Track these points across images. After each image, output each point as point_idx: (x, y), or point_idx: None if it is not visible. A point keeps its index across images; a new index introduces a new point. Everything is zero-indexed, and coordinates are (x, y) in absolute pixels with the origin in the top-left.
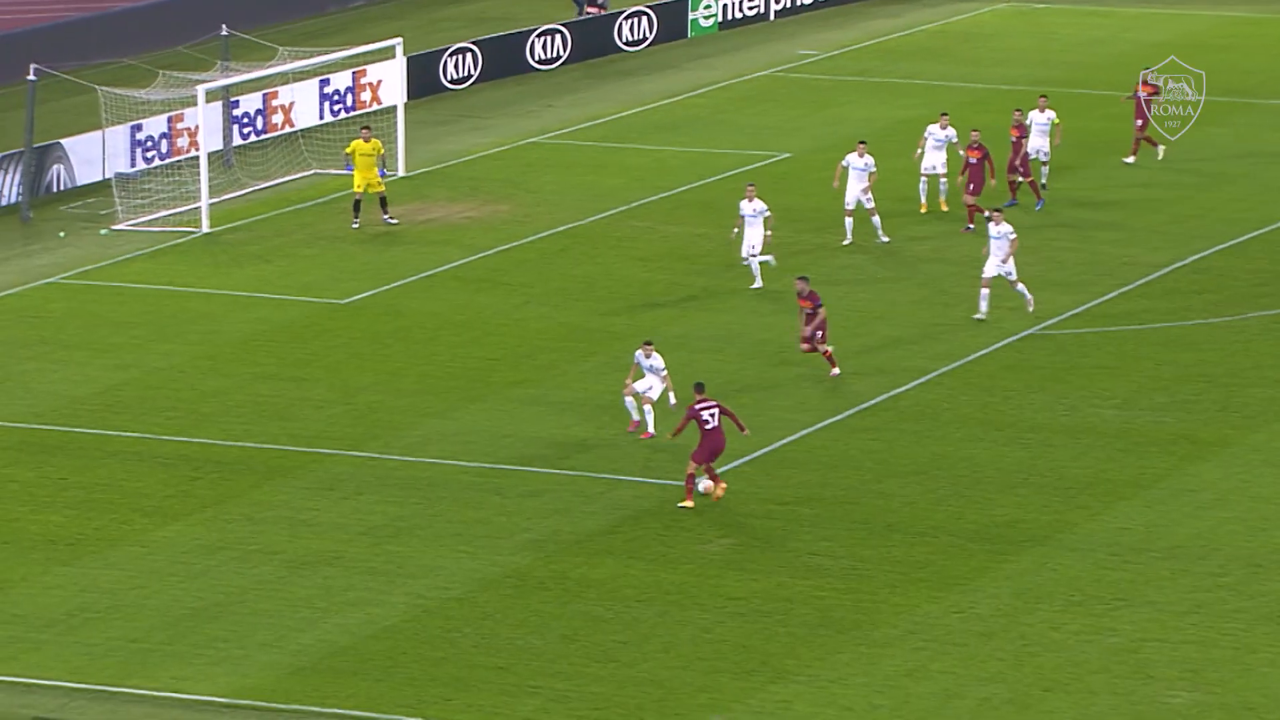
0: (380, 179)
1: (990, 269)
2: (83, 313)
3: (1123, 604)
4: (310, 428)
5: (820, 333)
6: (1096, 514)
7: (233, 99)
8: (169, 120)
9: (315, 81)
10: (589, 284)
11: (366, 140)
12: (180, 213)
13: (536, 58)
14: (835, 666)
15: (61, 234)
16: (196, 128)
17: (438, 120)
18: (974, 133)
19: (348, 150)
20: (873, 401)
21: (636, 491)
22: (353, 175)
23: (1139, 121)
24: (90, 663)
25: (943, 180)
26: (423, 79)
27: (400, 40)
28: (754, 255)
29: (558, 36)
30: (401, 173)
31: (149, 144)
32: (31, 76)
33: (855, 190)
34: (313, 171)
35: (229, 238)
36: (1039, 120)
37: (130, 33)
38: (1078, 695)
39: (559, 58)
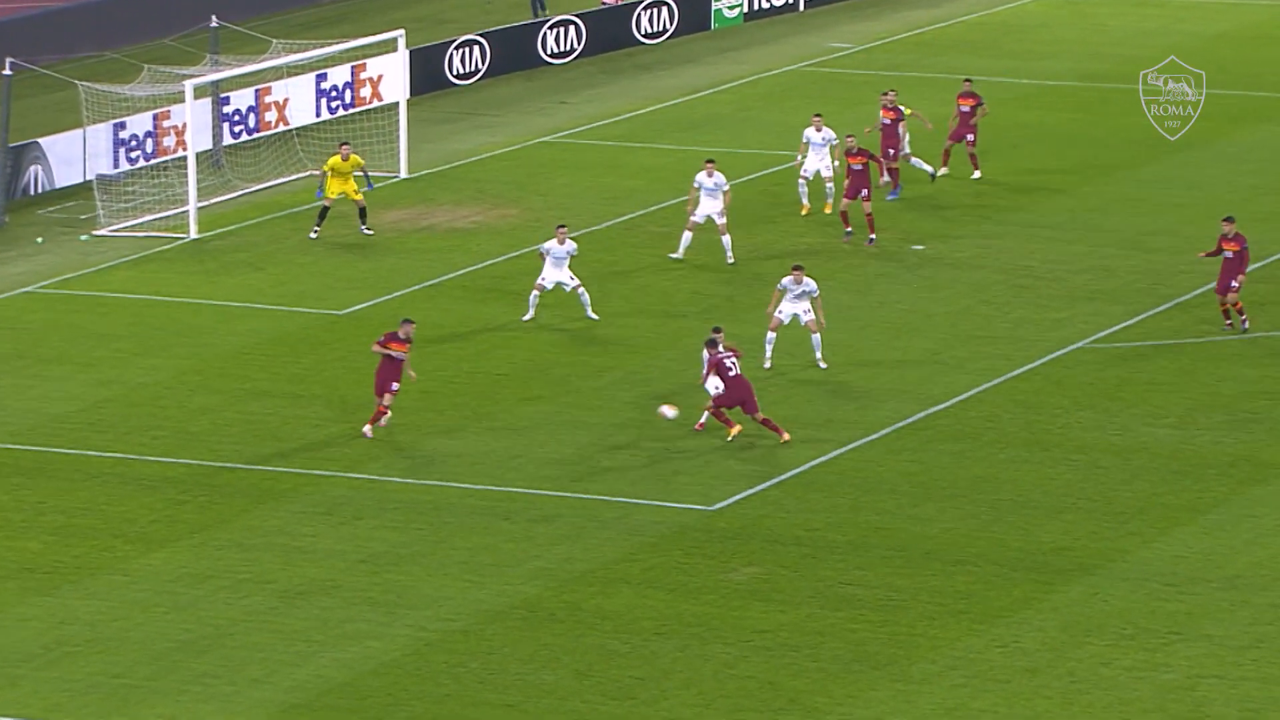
0: (360, 192)
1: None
2: (62, 324)
3: (1178, 638)
4: (306, 448)
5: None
6: (1150, 541)
7: (223, 95)
8: (154, 118)
9: (311, 76)
10: (605, 293)
11: (345, 159)
12: (166, 217)
13: (549, 51)
14: (869, 705)
15: (39, 240)
16: (184, 126)
17: (442, 118)
18: (850, 138)
19: (325, 168)
20: (909, 420)
21: (655, 516)
22: (326, 186)
23: (970, 136)
24: (69, 699)
25: (828, 184)
26: (426, 74)
27: (402, 32)
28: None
29: (571, 28)
30: (404, 174)
31: (133, 143)
32: (6, 71)
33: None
34: (308, 173)
35: (218, 244)
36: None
37: (113, 24)
38: None
39: (573, 51)
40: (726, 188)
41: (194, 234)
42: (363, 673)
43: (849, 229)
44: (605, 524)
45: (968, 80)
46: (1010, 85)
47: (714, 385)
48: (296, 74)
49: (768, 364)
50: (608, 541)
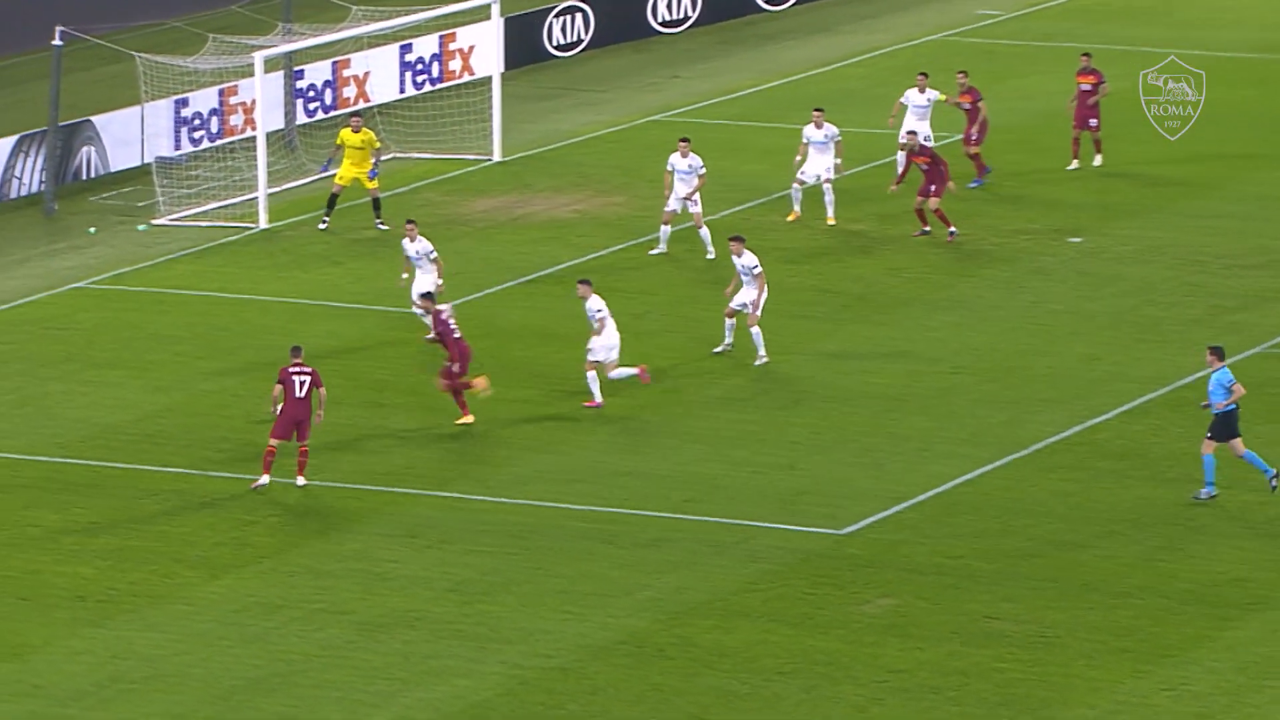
0: (370, 179)
1: (737, 300)
2: (116, 324)
3: None
4: (387, 463)
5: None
6: None
7: (296, 68)
8: (220, 94)
9: (395, 48)
10: (722, 290)
11: (356, 130)
12: (233, 205)
13: (659, 19)
14: None
15: (91, 230)
16: (253, 103)
17: (540, 94)
18: (912, 134)
19: (337, 142)
20: (1064, 434)
21: (778, 540)
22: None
23: (1093, 121)
24: None
25: (828, 192)
26: (523, 44)
27: None
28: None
29: None
30: (497, 157)
31: (196, 122)
32: (56, 41)
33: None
34: (391, 155)
35: (291, 235)
36: (917, 102)
37: None
38: None
39: (686, 19)
40: (702, 170)
41: (264, 223)
42: (450, 714)
43: (926, 227)
44: (722, 549)
45: (1086, 55)
46: (1181, 58)
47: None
48: (378, 45)
49: (721, 348)
50: (725, 569)
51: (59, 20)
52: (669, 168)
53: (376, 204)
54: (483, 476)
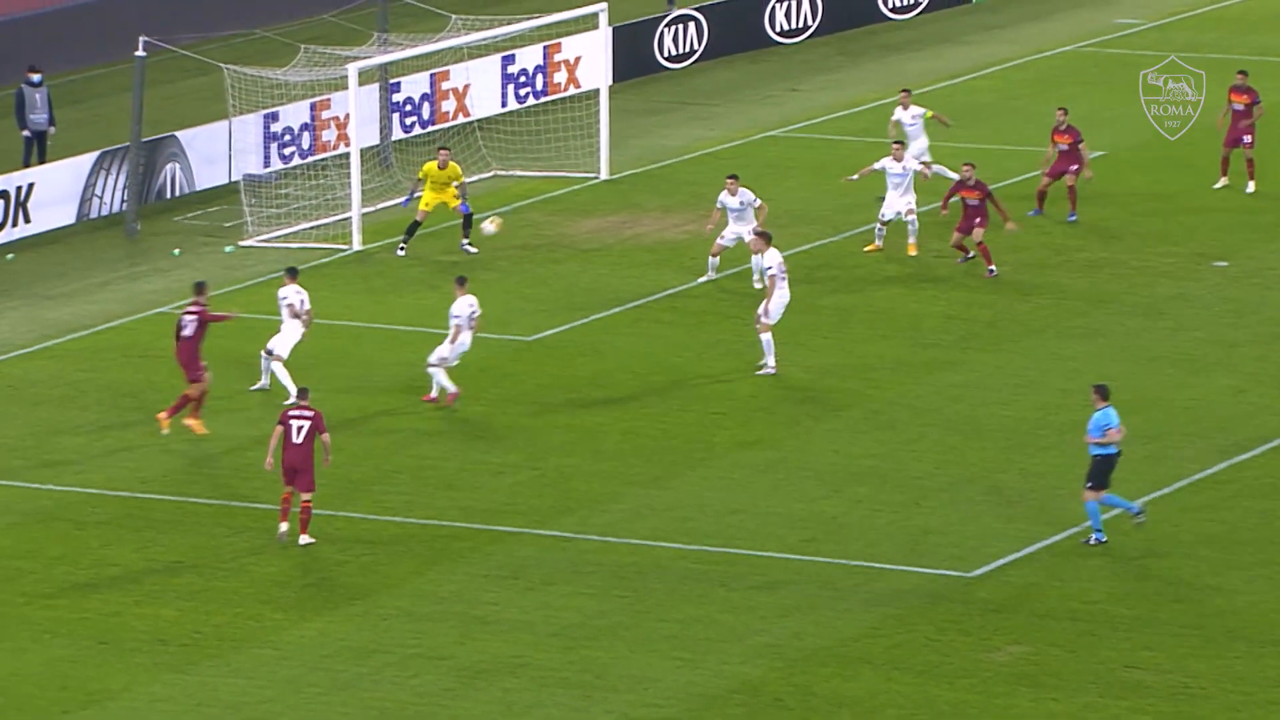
0: (461, 211)
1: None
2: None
3: None
4: (487, 499)
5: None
6: None
7: (392, 81)
8: (312, 108)
9: (496, 59)
10: (843, 317)
11: (443, 166)
12: (325, 225)
13: (778, 28)
14: None
15: (176, 251)
16: (346, 117)
17: (651, 108)
18: (967, 168)
19: (420, 174)
20: (1208, 471)
21: (902, 583)
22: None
23: (1247, 139)
24: None
25: (911, 220)
26: (633, 55)
27: (604, 6)
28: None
29: (805, 2)
30: (604, 175)
31: (287, 138)
32: (140, 52)
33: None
34: (492, 173)
35: (386, 257)
36: (905, 120)
37: None
38: None
39: (806, 28)
40: (758, 203)
41: (358, 245)
42: None
43: (968, 254)
44: (842, 593)
45: (1242, 73)
46: None
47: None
48: (479, 56)
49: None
50: (845, 614)
51: (142, 30)
52: (719, 205)
53: (467, 221)
54: (587, 514)
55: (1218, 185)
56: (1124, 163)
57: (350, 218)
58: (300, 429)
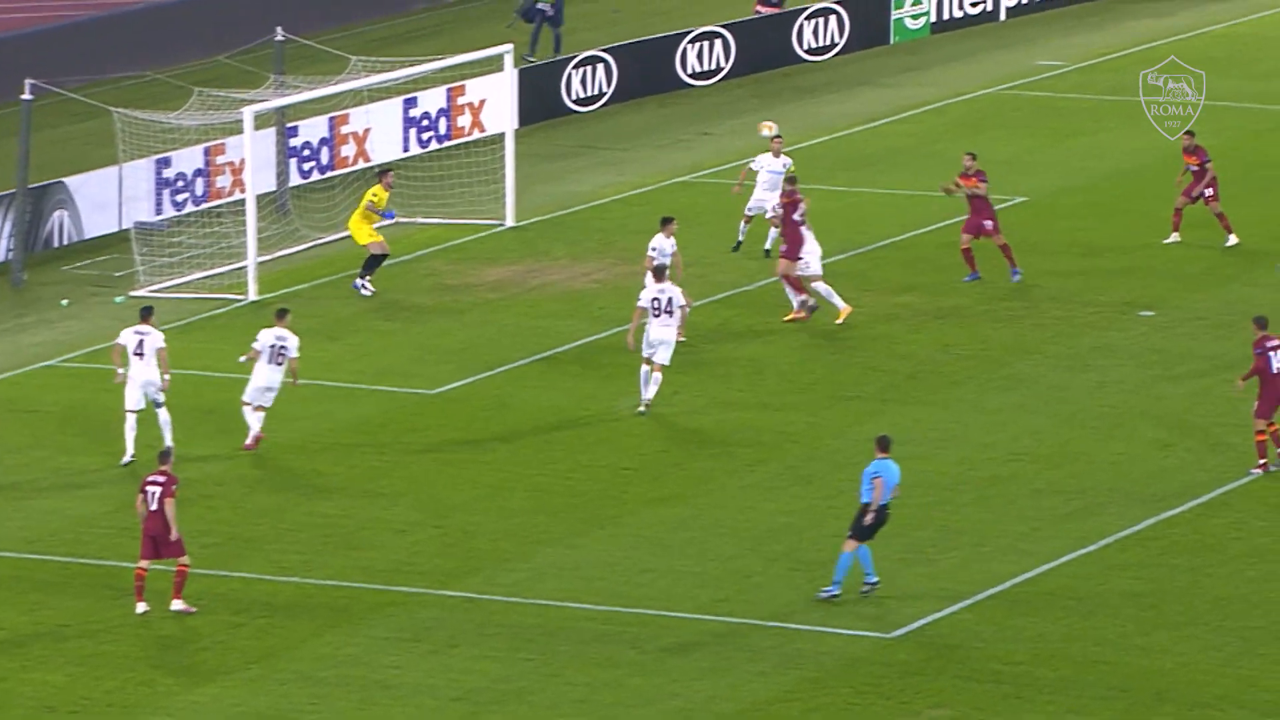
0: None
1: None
2: (90, 406)
3: None
4: (389, 558)
5: None
6: None
7: (290, 125)
8: (206, 152)
9: (398, 101)
10: (758, 367)
11: (390, 187)
12: (220, 274)
13: (689, 70)
14: None
15: (64, 302)
16: (242, 162)
17: (558, 153)
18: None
19: (374, 202)
20: (1135, 528)
21: (819, 644)
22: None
23: (1209, 191)
24: None
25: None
26: (539, 98)
27: (510, 48)
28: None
29: (718, 42)
30: (510, 222)
31: (180, 184)
32: (27, 95)
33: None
34: (394, 220)
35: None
36: (772, 168)
37: (156, 38)
38: None
39: (718, 70)
40: (675, 250)
41: (253, 295)
42: None
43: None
44: (758, 654)
45: (1189, 133)
46: (1265, 114)
47: None
48: (380, 98)
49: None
50: (760, 677)
51: (29, 72)
52: (650, 250)
53: (371, 261)
54: (492, 573)
55: (1168, 240)
56: (1046, 209)
57: (246, 266)
58: (153, 494)
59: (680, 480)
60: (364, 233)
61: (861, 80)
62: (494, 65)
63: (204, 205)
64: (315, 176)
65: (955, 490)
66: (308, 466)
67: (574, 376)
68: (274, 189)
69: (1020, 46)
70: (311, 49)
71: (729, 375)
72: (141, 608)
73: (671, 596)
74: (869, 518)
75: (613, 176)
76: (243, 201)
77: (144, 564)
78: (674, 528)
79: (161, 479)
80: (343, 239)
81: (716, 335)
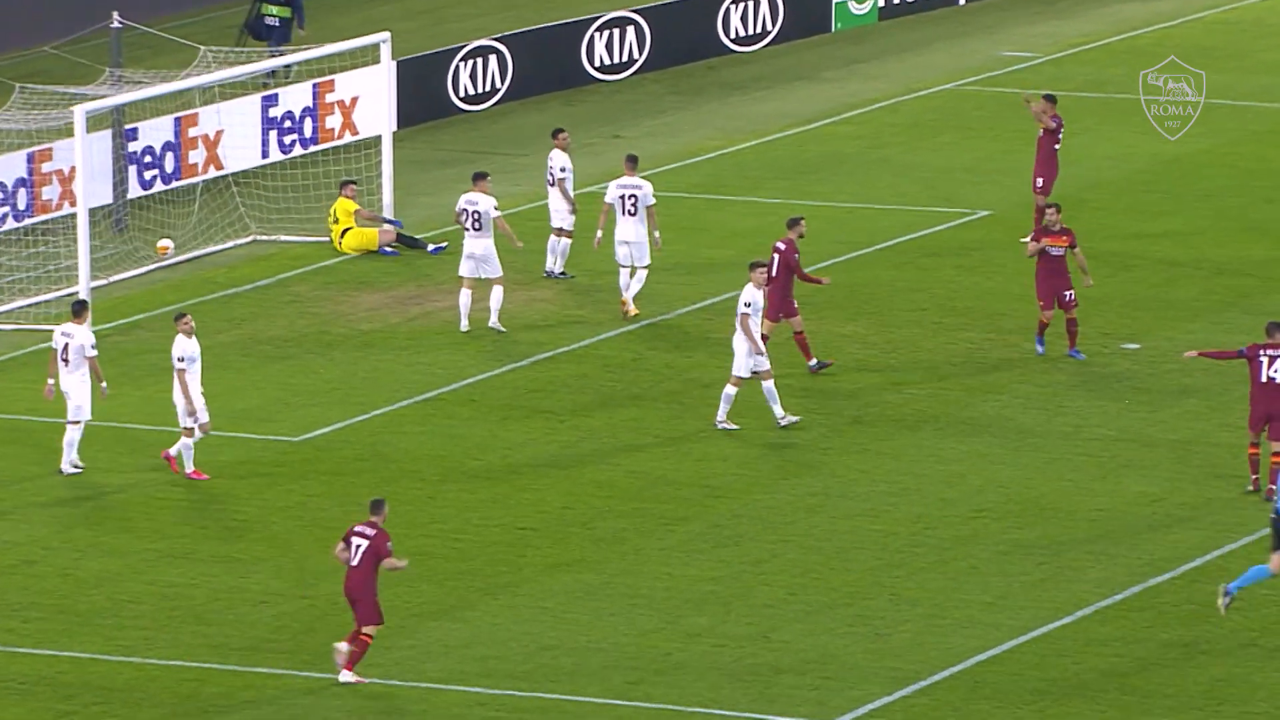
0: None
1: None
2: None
3: None
4: (246, 634)
5: None
6: None
7: (128, 127)
8: (29, 159)
9: (256, 99)
10: (677, 410)
11: (354, 198)
12: (45, 302)
13: (597, 63)
14: None
15: None
16: (73, 170)
17: (443, 159)
18: (1051, 209)
19: (337, 211)
20: (1118, 597)
21: None
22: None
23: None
24: None
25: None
26: (422, 95)
27: (387, 36)
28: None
29: (630, 30)
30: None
31: None
32: None
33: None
34: (251, 238)
35: (120, 341)
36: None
37: None
38: None
39: (631, 63)
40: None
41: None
42: None
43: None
44: None
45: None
46: (1262, 111)
47: None
48: (234, 95)
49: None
50: None
51: None
52: (607, 199)
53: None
54: (371, 653)
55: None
56: (1012, 223)
57: (76, 292)
58: (358, 547)
59: (586, 542)
60: (368, 236)
61: (797, 74)
62: (369, 57)
63: (27, 221)
64: (159, 187)
65: (909, 553)
66: (150, 528)
67: (462, 421)
68: (110, 202)
69: (982, 35)
70: (154, 37)
71: (644, 420)
72: None
73: (577, 678)
74: None
75: (508, 187)
76: (73, 216)
77: None
78: (580, 597)
79: (371, 531)
80: (193, 259)
81: (631, 369)
